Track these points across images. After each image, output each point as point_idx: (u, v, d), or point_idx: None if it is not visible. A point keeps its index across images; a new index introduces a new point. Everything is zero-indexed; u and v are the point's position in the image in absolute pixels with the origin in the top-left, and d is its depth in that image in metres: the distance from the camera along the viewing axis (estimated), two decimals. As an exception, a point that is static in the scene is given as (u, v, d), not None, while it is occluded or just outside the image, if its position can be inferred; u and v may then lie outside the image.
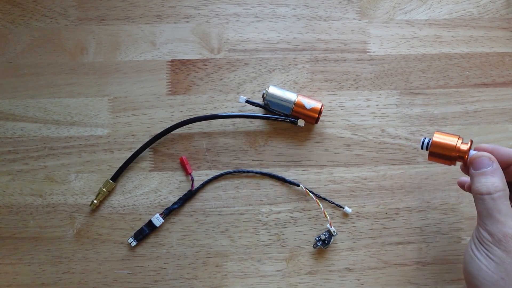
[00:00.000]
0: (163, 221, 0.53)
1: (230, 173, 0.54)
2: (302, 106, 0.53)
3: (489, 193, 0.38)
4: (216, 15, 0.58)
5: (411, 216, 0.54)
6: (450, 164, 0.44)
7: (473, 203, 0.39)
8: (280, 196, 0.54)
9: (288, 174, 0.55)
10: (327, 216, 0.53)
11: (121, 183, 0.54)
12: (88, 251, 0.53)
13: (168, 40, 0.57)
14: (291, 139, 0.55)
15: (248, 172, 0.54)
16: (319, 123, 0.55)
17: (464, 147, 0.43)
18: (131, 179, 0.54)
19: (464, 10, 0.58)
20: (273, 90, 0.54)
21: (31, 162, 0.55)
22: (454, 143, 0.43)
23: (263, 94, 0.54)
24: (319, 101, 0.54)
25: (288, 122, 0.54)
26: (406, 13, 0.58)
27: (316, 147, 0.55)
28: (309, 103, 0.53)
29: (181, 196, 0.54)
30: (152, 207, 0.54)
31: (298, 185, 0.54)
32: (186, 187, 0.54)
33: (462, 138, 0.44)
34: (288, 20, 0.58)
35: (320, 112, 0.53)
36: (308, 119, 0.53)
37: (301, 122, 0.53)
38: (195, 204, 0.54)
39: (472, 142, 0.44)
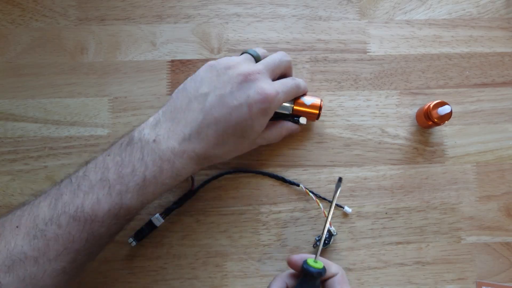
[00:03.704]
0: (163, 221, 0.53)
1: (230, 173, 0.54)
2: (301, 103, 0.53)
3: None
4: (216, 15, 0.58)
5: (411, 216, 0.54)
6: None
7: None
8: (280, 196, 0.54)
9: (288, 174, 0.55)
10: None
11: (121, 183, 0.54)
12: (88, 251, 0.53)
13: (168, 40, 0.57)
14: (291, 139, 0.55)
15: (248, 172, 0.54)
16: (319, 123, 0.55)
17: None
18: (131, 179, 0.54)
19: (464, 10, 0.58)
20: (273, 90, 0.53)
21: (31, 162, 0.55)
22: None
23: (263, 94, 0.54)
24: (318, 97, 0.54)
25: (290, 121, 0.54)
26: (406, 13, 0.58)
27: (316, 147, 0.55)
28: (308, 99, 0.53)
29: (181, 196, 0.54)
30: (152, 207, 0.54)
31: (298, 185, 0.54)
32: (186, 187, 0.54)
33: None
34: (288, 20, 0.58)
35: (320, 108, 0.52)
36: (309, 116, 0.53)
37: (303, 120, 0.53)
38: (195, 204, 0.54)
39: None
